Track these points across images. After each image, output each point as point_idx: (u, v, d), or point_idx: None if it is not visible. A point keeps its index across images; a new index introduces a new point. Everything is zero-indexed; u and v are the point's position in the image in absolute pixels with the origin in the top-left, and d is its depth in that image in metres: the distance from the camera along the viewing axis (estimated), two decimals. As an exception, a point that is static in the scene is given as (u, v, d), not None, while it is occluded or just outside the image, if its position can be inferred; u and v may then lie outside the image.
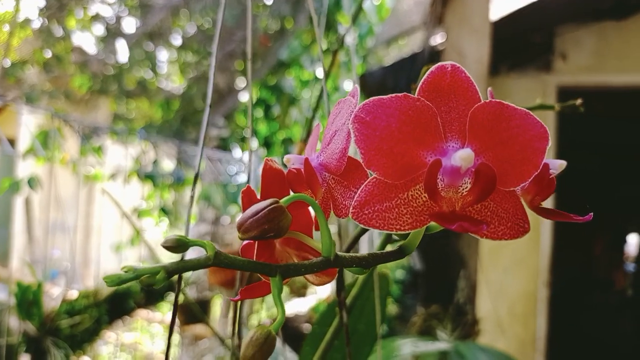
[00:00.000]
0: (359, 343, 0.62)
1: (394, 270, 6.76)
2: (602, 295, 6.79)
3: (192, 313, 2.36)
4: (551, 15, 2.64)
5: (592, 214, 0.25)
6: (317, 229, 0.29)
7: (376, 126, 0.22)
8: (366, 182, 0.23)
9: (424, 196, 0.23)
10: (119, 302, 1.95)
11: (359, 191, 0.23)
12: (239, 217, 0.23)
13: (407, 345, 0.84)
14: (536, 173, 0.21)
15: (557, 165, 0.25)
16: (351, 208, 0.23)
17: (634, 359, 4.91)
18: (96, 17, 3.51)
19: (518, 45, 2.77)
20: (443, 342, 0.91)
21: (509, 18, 2.39)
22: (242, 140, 4.23)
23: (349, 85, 4.12)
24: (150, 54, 3.71)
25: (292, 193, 0.27)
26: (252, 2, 3.51)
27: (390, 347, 0.84)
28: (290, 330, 2.53)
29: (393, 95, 0.22)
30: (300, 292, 3.77)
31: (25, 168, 3.35)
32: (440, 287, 1.45)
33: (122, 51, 3.65)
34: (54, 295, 2.21)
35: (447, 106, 0.22)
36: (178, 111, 3.94)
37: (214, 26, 3.54)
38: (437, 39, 2.16)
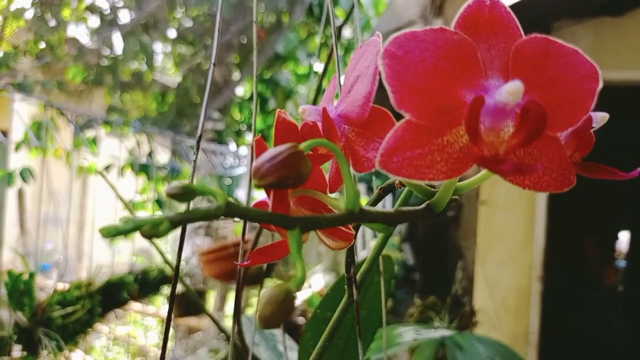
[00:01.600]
0: (362, 329, 0.60)
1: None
2: (594, 291, 6.85)
3: (187, 305, 2.34)
4: (547, 11, 2.63)
5: (638, 169, 0.23)
6: (332, 190, 0.27)
7: (409, 61, 0.19)
8: (395, 126, 0.20)
9: (462, 141, 0.20)
10: (113, 293, 1.92)
11: (387, 137, 0.20)
12: (255, 163, 0.20)
13: (409, 333, 0.82)
14: (585, 117, 0.19)
15: (600, 118, 0.23)
16: (378, 156, 0.20)
17: (626, 354, 4.95)
18: (91, 8, 3.47)
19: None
20: (446, 330, 0.90)
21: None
22: (237, 134, 4.20)
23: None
24: (145, 45, 3.67)
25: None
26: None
27: (392, 335, 0.82)
28: (284, 323, 2.51)
29: (428, 28, 0.19)
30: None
31: (18, 159, 3.30)
32: (438, 279, 1.44)
33: (117, 42, 3.61)
34: (46, 287, 2.18)
35: (486, 43, 0.20)
36: (173, 103, 3.91)
37: (209, 18, 3.51)
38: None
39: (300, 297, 4.02)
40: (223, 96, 3.54)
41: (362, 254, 6.95)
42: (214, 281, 2.96)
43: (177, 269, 0.30)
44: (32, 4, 3.28)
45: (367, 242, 7.27)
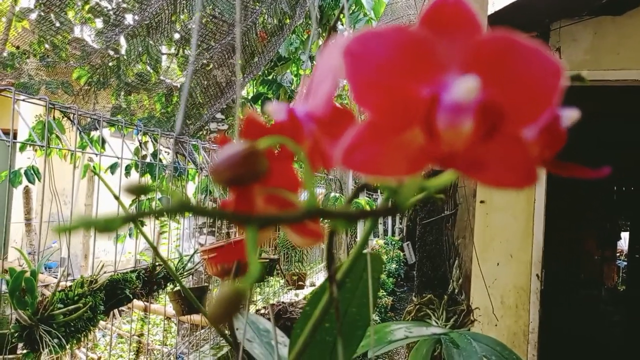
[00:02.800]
0: (351, 326, 0.60)
1: (389, 263, 6.76)
2: (594, 290, 6.84)
3: (190, 303, 2.35)
4: (546, 11, 2.62)
5: (609, 167, 0.23)
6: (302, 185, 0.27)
7: (370, 58, 0.19)
8: (357, 123, 0.21)
9: (421, 137, 0.21)
10: (115, 291, 1.93)
11: (348, 134, 0.21)
12: (214, 161, 0.20)
13: (401, 331, 0.82)
14: (551, 113, 0.19)
15: (570, 115, 0.23)
16: (339, 153, 0.20)
17: (625, 352, 4.94)
18: (96, 9, 3.48)
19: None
20: (437, 328, 0.90)
21: (502, 13, 2.38)
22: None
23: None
24: (149, 47, 3.68)
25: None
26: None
27: (384, 332, 0.82)
28: (288, 321, 2.53)
29: (389, 26, 0.20)
30: (298, 285, 3.76)
31: (24, 159, 3.33)
32: (435, 277, 1.44)
33: (122, 43, 3.63)
34: (52, 285, 2.20)
35: (449, 39, 0.20)
36: (177, 104, 3.92)
37: (212, 20, 3.52)
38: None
39: (303, 295, 4.02)
40: (226, 97, 3.55)
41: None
42: (218, 279, 2.97)
43: (153, 267, 0.30)
44: (36, 5, 3.30)
45: (368, 241, 7.25)
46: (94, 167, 3.36)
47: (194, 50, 3.32)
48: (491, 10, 2.37)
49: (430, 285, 1.49)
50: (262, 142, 0.22)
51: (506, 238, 2.92)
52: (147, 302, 2.44)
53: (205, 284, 2.97)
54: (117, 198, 0.71)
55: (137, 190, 0.19)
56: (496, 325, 2.87)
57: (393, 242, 7.57)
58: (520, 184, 0.20)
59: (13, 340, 1.57)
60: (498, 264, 2.93)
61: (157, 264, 2.30)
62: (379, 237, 7.74)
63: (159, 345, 3.36)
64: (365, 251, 0.61)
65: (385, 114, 0.20)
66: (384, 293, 5.54)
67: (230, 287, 0.19)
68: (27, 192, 4.15)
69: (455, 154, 0.20)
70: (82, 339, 1.82)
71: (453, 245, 1.46)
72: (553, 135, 0.23)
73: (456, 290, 1.44)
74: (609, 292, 7.07)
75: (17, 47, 3.01)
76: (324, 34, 3.79)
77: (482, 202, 2.90)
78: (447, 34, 0.20)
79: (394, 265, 6.50)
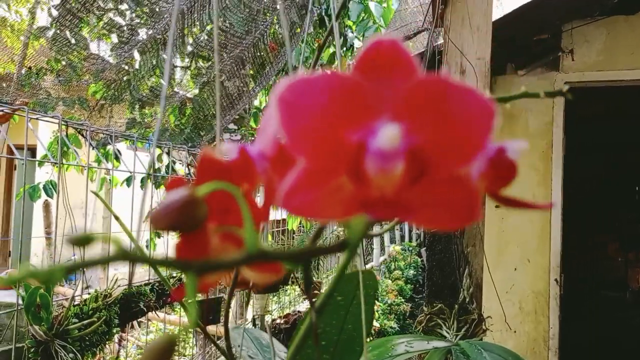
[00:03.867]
0: (349, 342, 0.60)
1: (407, 270, 6.70)
2: (617, 293, 6.69)
3: (204, 314, 2.36)
4: (558, 12, 2.60)
5: (552, 202, 0.23)
6: (264, 219, 0.28)
7: (302, 106, 0.20)
8: (296, 168, 0.21)
9: (352, 183, 0.21)
10: (130, 304, 1.96)
11: (289, 177, 0.21)
12: (154, 209, 0.21)
13: (401, 346, 0.82)
14: (481, 154, 0.20)
15: (517, 148, 0.23)
16: (280, 196, 0.21)
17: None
18: (110, 25, 3.55)
19: (525, 43, 2.74)
20: (439, 341, 0.89)
21: (514, 15, 2.36)
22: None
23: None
24: (162, 60, 3.73)
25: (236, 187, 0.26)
26: (261, 8, 3.53)
27: (384, 347, 0.82)
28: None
29: (322, 73, 0.20)
30: (313, 293, 3.75)
31: (44, 173, 3.41)
32: (445, 286, 1.43)
33: (135, 57, 3.68)
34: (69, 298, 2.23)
35: (383, 84, 0.21)
36: (190, 116, 3.97)
37: (223, 33, 3.56)
38: (441, 39, 2.15)
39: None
40: (238, 108, 3.58)
41: (382, 259, 6.86)
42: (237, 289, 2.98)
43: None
44: (52, 24, 3.38)
45: (385, 247, 7.19)
46: (109, 180, 3.42)
47: (218, 64, 3.37)
48: (500, 13, 2.36)
49: (441, 294, 1.48)
50: (201, 189, 0.22)
51: (522, 242, 2.88)
52: (166, 313, 2.46)
53: (221, 295, 2.99)
54: (117, 218, 0.73)
55: (81, 241, 0.19)
56: (515, 332, 2.83)
57: (410, 248, 7.50)
58: (460, 223, 0.20)
59: (29, 356, 1.60)
60: (515, 269, 2.89)
61: (172, 275, 2.33)
62: (395, 243, 7.68)
63: (176, 356, 3.38)
64: (358, 269, 0.61)
65: (318, 160, 0.20)
66: (402, 300, 5.49)
67: (165, 338, 0.19)
68: (46, 206, 4.23)
69: (386, 199, 0.20)
70: (98, 352, 1.84)
71: (462, 253, 1.45)
72: (500, 169, 0.23)
73: (467, 299, 1.43)
74: (633, 295, 6.91)
75: (30, 68, 3.08)
76: (334, 43, 3.81)
77: (497, 206, 2.86)
78: (382, 78, 0.20)
79: (411, 272, 6.43)
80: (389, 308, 5.14)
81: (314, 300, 0.30)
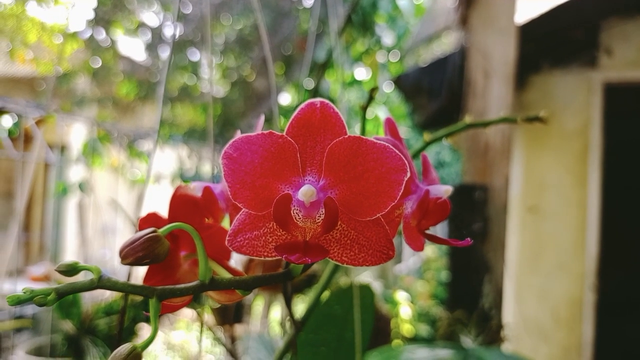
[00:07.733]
0: (350, 350, 0.62)
1: (440, 272, 6.62)
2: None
3: (226, 313, 2.42)
4: (595, 9, 2.53)
5: (469, 239, 0.25)
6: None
7: (241, 161, 0.23)
8: (240, 212, 0.25)
9: (280, 228, 0.25)
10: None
11: (234, 220, 0.25)
12: (121, 244, 0.24)
13: (405, 354, 0.83)
14: (393, 204, 0.23)
15: (443, 191, 0.25)
16: (227, 236, 0.25)
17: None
18: (142, 26, 3.65)
19: (561, 41, 2.67)
20: (444, 349, 0.89)
21: (550, 13, 2.31)
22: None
23: (389, 86, 4.10)
24: (192, 60, 3.82)
25: (206, 220, 0.28)
26: (291, 5, 3.56)
27: (389, 355, 0.83)
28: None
29: (260, 132, 0.24)
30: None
31: (78, 172, 3.54)
32: (465, 292, 1.42)
33: (165, 57, 3.78)
34: (102, 294, 2.32)
35: (314, 141, 0.24)
36: (220, 115, 4.03)
37: (253, 31, 3.60)
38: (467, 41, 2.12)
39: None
40: (266, 106, 3.63)
41: (400, 267, 6.83)
42: (261, 291, 3.03)
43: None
44: (87, 25, 3.50)
45: (405, 258, 7.13)
46: (140, 179, 3.51)
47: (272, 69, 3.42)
48: (536, 12, 2.32)
49: (461, 301, 1.47)
50: (163, 229, 0.25)
51: (558, 247, 2.82)
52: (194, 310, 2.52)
53: (249, 297, 3.04)
54: (133, 223, 0.76)
55: (68, 271, 0.22)
56: (546, 340, 2.78)
57: (440, 251, 7.41)
58: (375, 262, 0.23)
59: (61, 349, 1.67)
60: (548, 275, 2.83)
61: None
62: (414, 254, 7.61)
63: (205, 353, 3.46)
64: (355, 282, 0.63)
65: (255, 208, 0.24)
66: (435, 303, 5.44)
67: (128, 347, 0.22)
68: (80, 204, 4.38)
69: (305, 242, 0.24)
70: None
71: (483, 260, 1.44)
72: (427, 209, 0.25)
73: (487, 306, 1.42)
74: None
75: (73, 68, 3.20)
76: (362, 39, 3.79)
77: (530, 210, 2.81)
78: (315, 135, 0.23)
79: (445, 275, 6.36)
80: (423, 312, 5.11)
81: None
